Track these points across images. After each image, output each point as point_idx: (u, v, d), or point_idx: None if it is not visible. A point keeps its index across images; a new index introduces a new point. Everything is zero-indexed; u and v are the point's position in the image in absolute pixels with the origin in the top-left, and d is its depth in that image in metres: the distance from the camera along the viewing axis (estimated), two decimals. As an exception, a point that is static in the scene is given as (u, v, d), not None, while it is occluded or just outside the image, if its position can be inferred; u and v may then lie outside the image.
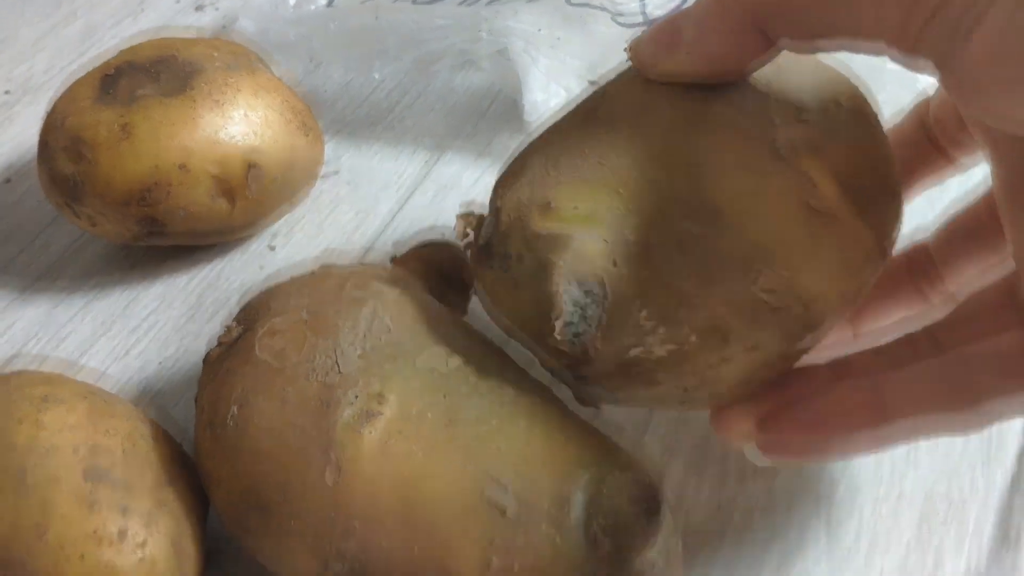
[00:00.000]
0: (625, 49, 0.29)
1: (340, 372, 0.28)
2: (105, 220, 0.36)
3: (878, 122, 0.30)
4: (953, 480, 0.35)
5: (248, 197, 0.37)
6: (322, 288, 0.30)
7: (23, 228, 0.43)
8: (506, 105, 0.47)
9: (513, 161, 0.31)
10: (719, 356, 0.26)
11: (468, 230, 0.30)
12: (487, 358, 0.30)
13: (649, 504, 0.26)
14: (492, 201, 0.30)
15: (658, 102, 0.28)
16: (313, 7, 0.48)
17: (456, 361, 0.29)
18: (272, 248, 0.42)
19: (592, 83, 0.44)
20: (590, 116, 0.30)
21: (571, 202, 0.27)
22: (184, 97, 0.36)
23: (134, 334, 0.39)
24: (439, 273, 0.34)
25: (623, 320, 0.26)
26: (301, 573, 0.28)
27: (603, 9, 0.45)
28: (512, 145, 0.46)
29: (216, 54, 0.38)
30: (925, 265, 0.32)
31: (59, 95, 0.37)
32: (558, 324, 0.27)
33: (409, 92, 0.48)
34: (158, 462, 0.29)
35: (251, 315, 0.30)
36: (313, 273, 0.31)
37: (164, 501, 0.28)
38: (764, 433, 0.28)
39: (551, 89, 0.44)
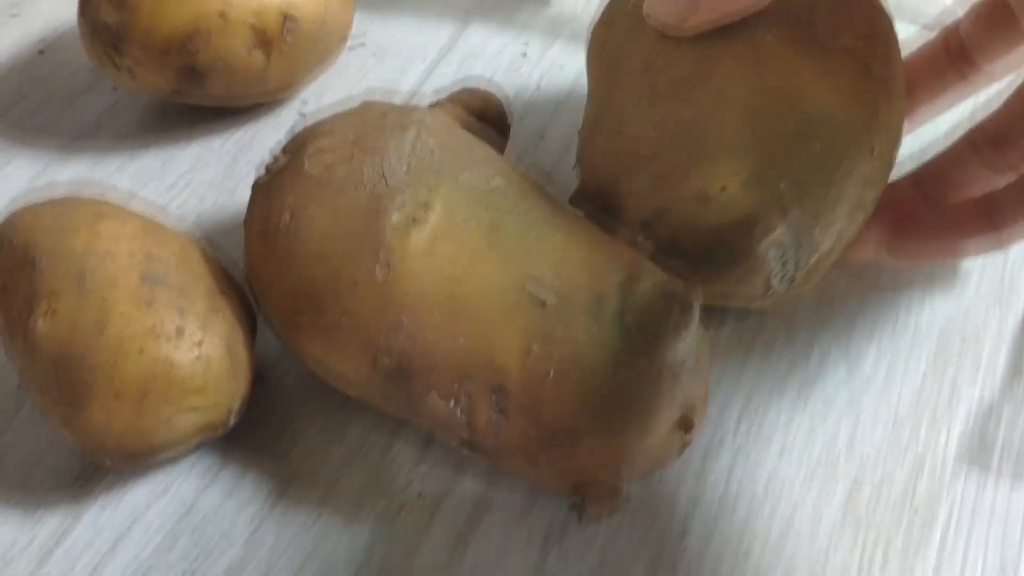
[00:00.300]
0: (645, 15, 0.31)
1: (387, 184, 0.29)
2: (145, 71, 0.37)
3: None
4: (967, 317, 0.36)
5: (283, 51, 0.38)
6: (366, 117, 0.31)
7: (58, 95, 0.44)
8: (528, -19, 0.48)
9: (601, 150, 0.32)
10: (862, 221, 0.31)
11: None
12: (525, 184, 0.31)
13: (681, 301, 0.27)
14: (625, 197, 0.31)
15: (715, 54, 0.30)
16: None
17: (497, 182, 0.30)
18: (303, 115, 0.43)
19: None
20: (656, 86, 0.31)
21: (717, 183, 0.29)
22: (221, -53, 0.37)
23: (171, 190, 0.40)
24: (478, 116, 0.35)
25: (807, 245, 0.30)
26: (350, 370, 0.29)
27: None
28: (534, 19, 0.47)
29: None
30: (960, 49, 0.35)
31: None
32: (771, 282, 0.30)
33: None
34: (209, 275, 0.31)
35: (297, 144, 0.31)
36: (355, 108, 0.33)
37: (217, 308, 0.29)
38: (896, 247, 0.34)
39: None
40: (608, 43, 0.34)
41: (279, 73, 0.39)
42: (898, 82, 0.31)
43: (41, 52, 0.46)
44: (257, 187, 0.31)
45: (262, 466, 0.32)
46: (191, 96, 0.39)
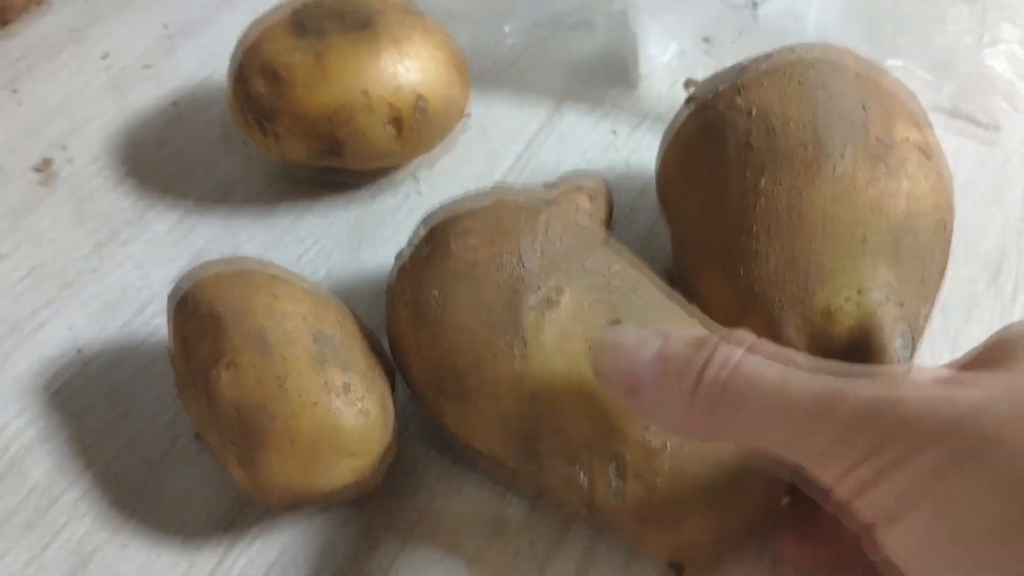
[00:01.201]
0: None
1: (524, 267, 0.33)
2: (291, 138, 0.41)
3: None
4: None
5: (412, 128, 0.42)
6: (500, 200, 0.35)
7: (192, 147, 0.48)
8: (616, 65, 0.52)
9: (716, 283, 0.36)
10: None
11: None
12: (638, 268, 0.35)
13: None
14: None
15: (802, 188, 0.34)
16: (446, -34, 0.52)
17: (616, 266, 0.34)
18: (416, 178, 0.47)
19: (706, 40, 0.49)
20: (754, 224, 0.35)
21: (839, 298, 0.34)
22: (368, 34, 0.41)
23: (302, 245, 0.44)
24: (590, 198, 0.39)
25: (918, 323, 0.35)
26: (483, 431, 0.33)
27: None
28: (622, 100, 0.51)
29: (388, -1, 0.43)
30: None
31: (250, 25, 0.43)
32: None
33: (528, 49, 0.53)
34: (362, 337, 0.34)
35: (439, 229, 0.35)
36: (489, 194, 0.36)
37: (373, 366, 0.33)
38: None
39: (664, 44, 0.49)
40: (686, 186, 0.38)
41: (406, 147, 0.43)
42: (941, 152, 0.37)
43: (175, 104, 0.50)
44: (403, 269, 0.35)
45: (391, 509, 0.36)
46: (323, 162, 0.43)
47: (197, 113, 0.49)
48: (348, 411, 0.32)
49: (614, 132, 0.49)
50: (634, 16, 0.48)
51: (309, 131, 0.41)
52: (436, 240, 0.35)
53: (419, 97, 0.41)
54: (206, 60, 0.52)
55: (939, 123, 0.48)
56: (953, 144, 0.48)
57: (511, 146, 0.49)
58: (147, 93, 0.50)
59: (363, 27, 0.41)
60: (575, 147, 0.49)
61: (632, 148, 0.49)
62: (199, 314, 0.33)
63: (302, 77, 0.40)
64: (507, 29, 0.50)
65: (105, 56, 0.53)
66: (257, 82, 0.41)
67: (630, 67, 0.51)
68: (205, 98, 0.50)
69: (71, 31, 0.54)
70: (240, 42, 0.42)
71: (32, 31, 0.54)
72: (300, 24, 0.41)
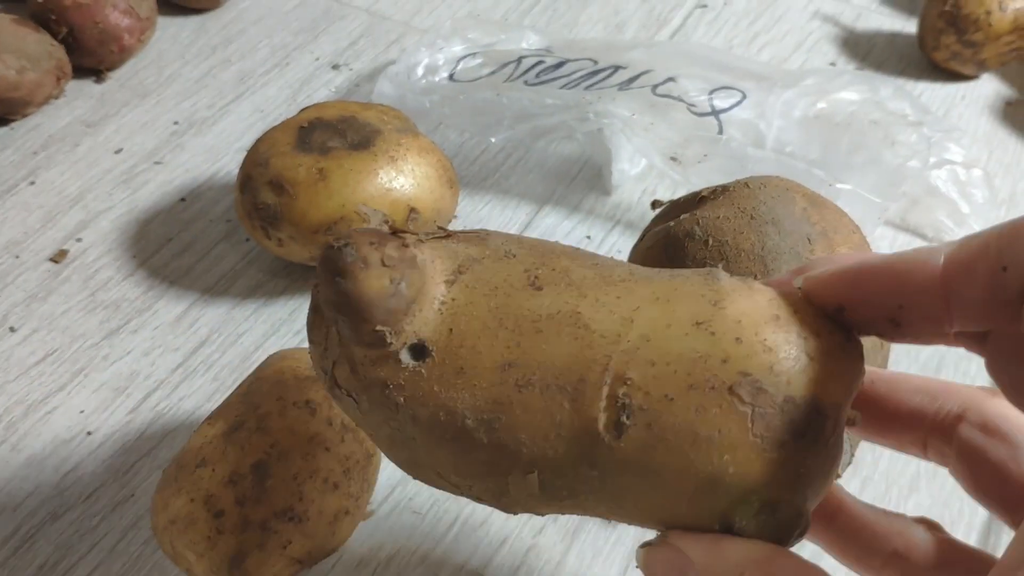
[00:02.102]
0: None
1: None
2: (293, 243, 0.45)
3: None
4: (945, 507, 0.44)
5: (404, 234, 0.46)
6: None
7: (198, 242, 0.52)
8: (592, 172, 0.57)
9: None
10: None
11: None
12: None
13: None
14: None
15: None
16: (437, 78, 0.57)
17: None
18: (404, 276, 0.51)
19: (674, 159, 0.54)
20: None
21: None
22: (367, 152, 0.45)
23: (298, 336, 0.47)
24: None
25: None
26: None
27: (680, 100, 0.54)
28: (597, 206, 0.55)
29: (386, 118, 0.47)
30: None
31: (259, 138, 0.47)
32: None
33: (512, 155, 0.58)
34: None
35: None
36: None
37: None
38: None
39: (635, 160, 0.54)
40: None
41: (397, 250, 0.47)
42: None
43: (183, 200, 0.54)
44: None
45: None
46: (322, 262, 0.47)
47: (204, 209, 0.53)
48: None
49: (588, 237, 0.54)
50: (609, 135, 0.53)
51: (310, 238, 0.45)
52: None
53: (412, 209, 0.46)
54: (213, 157, 0.56)
55: (887, 235, 0.54)
56: (898, 256, 0.52)
57: (494, 247, 0.53)
58: (157, 188, 0.54)
59: (364, 146, 0.45)
60: (553, 249, 0.53)
61: (605, 251, 0.53)
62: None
63: (305, 191, 0.44)
64: (494, 140, 0.54)
65: (119, 151, 0.57)
66: (265, 193, 0.45)
67: (604, 178, 0.56)
68: (211, 195, 0.54)
69: (87, 125, 0.58)
70: (249, 154, 0.46)
71: (50, 123, 0.58)
72: (305, 141, 0.45)
